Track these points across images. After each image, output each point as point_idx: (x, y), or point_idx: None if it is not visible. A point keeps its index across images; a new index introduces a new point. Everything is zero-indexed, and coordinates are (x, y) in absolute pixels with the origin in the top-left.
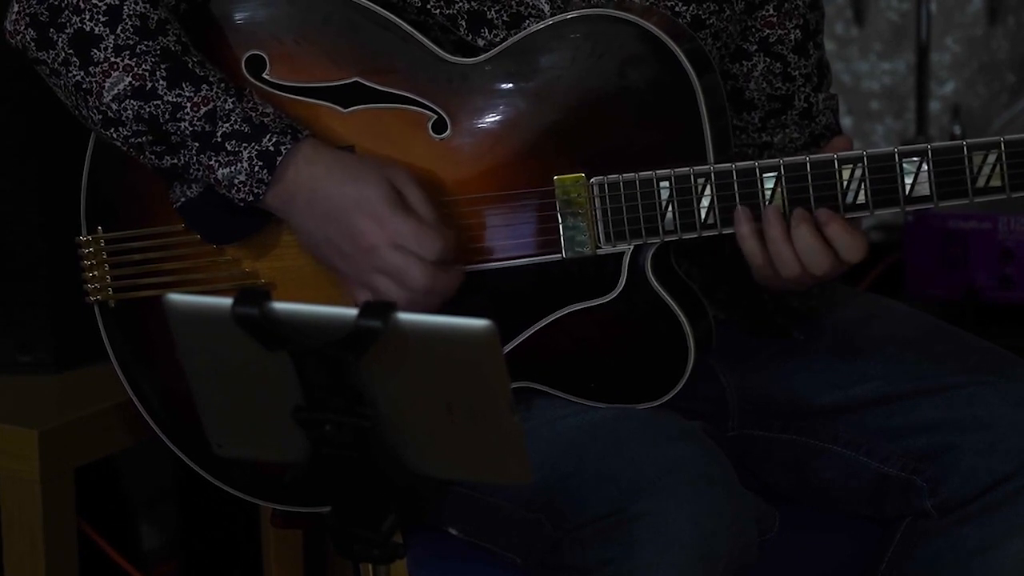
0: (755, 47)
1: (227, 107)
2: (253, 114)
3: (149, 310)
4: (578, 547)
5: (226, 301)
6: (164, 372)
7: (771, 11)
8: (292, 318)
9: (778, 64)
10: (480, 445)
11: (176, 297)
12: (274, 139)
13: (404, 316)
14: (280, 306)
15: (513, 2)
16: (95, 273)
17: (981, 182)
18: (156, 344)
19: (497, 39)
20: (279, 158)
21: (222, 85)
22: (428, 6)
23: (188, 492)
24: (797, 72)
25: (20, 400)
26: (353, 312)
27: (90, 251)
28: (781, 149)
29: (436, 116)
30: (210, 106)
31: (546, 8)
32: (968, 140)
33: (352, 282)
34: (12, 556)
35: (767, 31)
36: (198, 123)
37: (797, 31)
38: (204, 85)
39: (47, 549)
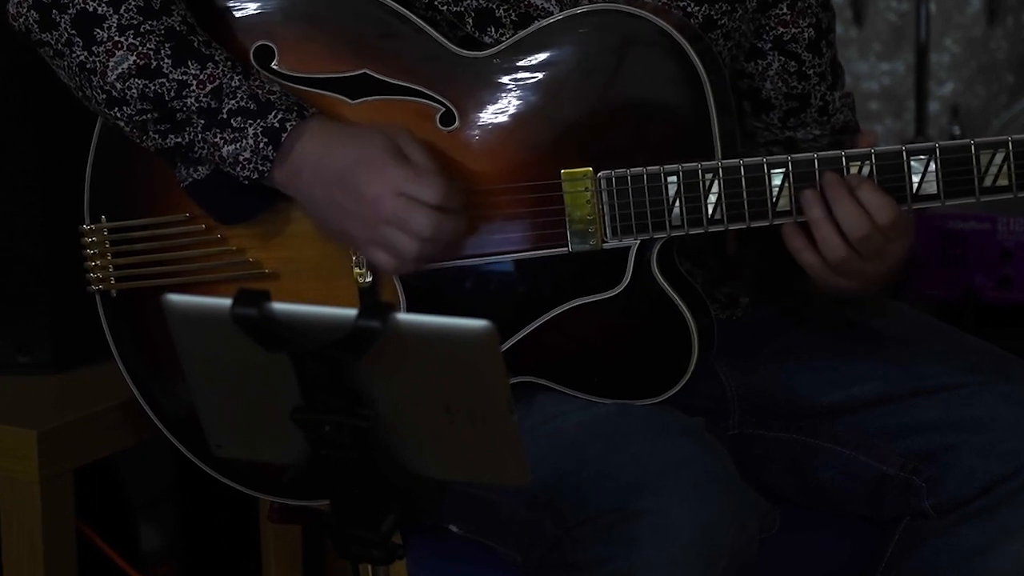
0: (769, 45)
1: (233, 84)
2: (259, 92)
3: (151, 301)
4: (579, 545)
5: (225, 302)
6: (165, 364)
7: (784, 9)
8: (291, 319)
9: (793, 63)
10: (478, 446)
11: (175, 297)
12: (280, 116)
13: (403, 316)
14: (279, 307)
15: (523, 3)
16: (98, 263)
17: (988, 181)
18: (157, 336)
19: (504, 38)
20: (284, 135)
21: (228, 63)
22: (435, 2)
23: (187, 492)
24: (812, 71)
25: (19, 401)
26: (352, 312)
27: (93, 240)
28: (807, 148)
29: (444, 108)
30: (216, 83)
31: (555, 11)
32: (976, 139)
33: (364, 242)
34: (11, 557)
35: (781, 29)
36: (204, 99)
37: (811, 30)
38: (210, 63)
39: (46, 550)
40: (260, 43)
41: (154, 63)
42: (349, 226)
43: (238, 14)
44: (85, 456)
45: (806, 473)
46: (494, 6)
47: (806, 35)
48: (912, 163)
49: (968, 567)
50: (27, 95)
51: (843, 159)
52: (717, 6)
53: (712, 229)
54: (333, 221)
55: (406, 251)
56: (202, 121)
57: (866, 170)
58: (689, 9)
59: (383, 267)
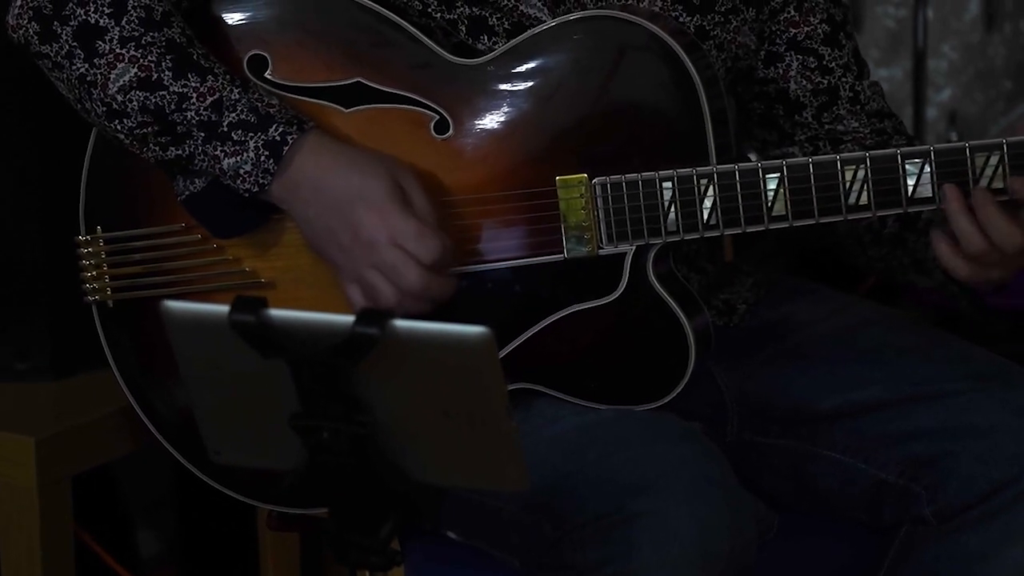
0: (784, 47)
1: (233, 97)
2: (259, 104)
3: (148, 311)
4: (578, 547)
5: (223, 308)
6: (162, 374)
7: (792, 12)
8: (289, 325)
9: (812, 59)
10: (477, 452)
11: (173, 304)
12: (280, 129)
13: (401, 323)
14: (277, 313)
15: (516, 13)
16: (94, 273)
17: (984, 184)
18: (154, 346)
19: (497, 46)
20: (285, 148)
21: (227, 76)
22: (429, 10)
23: (186, 498)
24: (834, 63)
25: (17, 407)
26: (350, 319)
27: (89, 251)
28: (852, 140)
29: (438, 116)
30: (216, 96)
31: (547, 19)
32: (971, 142)
33: (346, 276)
34: (9, 564)
35: (792, 31)
36: (204, 113)
37: (824, 25)
38: (210, 76)
39: (44, 557)
40: (254, 52)
41: (155, 75)
42: (337, 256)
43: (232, 24)
44: (83, 463)
45: (805, 480)
46: (487, 14)
47: (820, 31)
48: (907, 166)
49: (968, 574)
50: (27, 101)
51: (838, 163)
52: (709, 17)
53: (708, 234)
54: (322, 244)
55: (385, 299)
56: (202, 134)
57: (861, 174)
58: (681, 19)
59: (356, 304)
